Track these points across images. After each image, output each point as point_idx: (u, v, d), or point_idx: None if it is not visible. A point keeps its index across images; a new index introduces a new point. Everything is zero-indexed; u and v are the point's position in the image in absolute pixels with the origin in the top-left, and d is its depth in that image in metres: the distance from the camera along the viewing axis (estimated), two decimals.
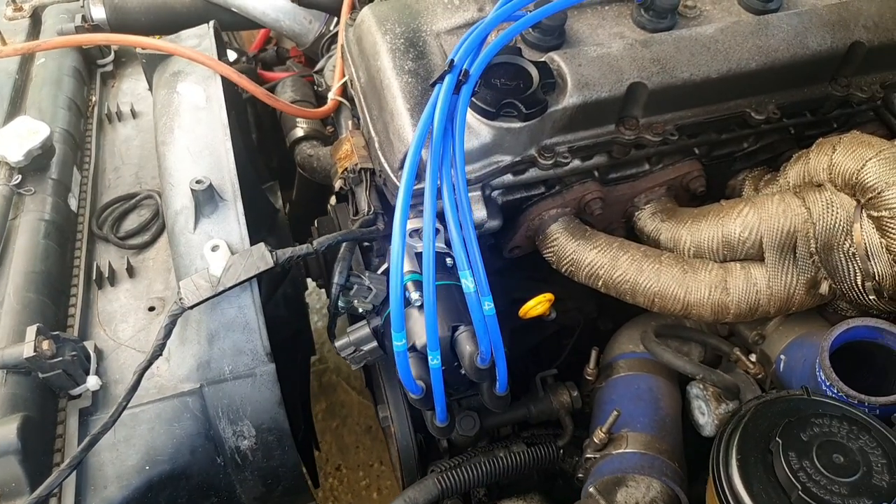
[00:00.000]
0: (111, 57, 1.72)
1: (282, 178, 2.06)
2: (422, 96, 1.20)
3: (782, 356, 1.26)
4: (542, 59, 1.22)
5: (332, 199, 2.24)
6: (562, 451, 1.32)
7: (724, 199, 1.36)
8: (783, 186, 1.30)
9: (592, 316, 1.65)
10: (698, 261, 1.27)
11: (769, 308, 1.22)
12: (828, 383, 1.01)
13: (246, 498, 1.25)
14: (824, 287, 1.20)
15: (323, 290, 1.61)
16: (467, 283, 0.93)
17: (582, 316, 1.63)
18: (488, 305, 0.96)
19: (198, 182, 1.13)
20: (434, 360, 0.98)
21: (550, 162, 1.22)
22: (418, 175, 1.13)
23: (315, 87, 1.68)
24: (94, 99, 1.62)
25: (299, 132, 1.71)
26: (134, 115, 1.60)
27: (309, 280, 1.67)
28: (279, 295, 1.40)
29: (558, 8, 1.16)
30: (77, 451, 0.95)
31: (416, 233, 1.22)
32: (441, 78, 1.00)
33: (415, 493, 1.16)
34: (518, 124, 1.16)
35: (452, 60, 1.00)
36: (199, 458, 1.14)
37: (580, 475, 1.29)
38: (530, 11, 1.19)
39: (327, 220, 1.59)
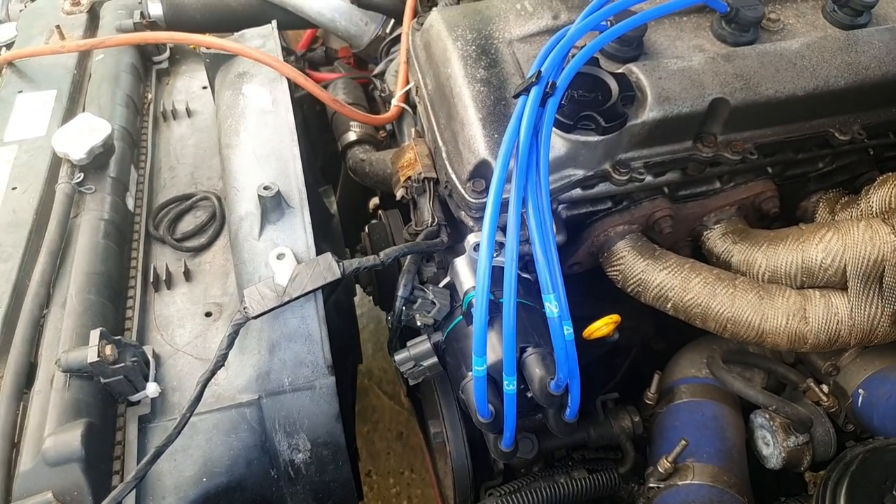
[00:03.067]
0: (167, 54, 1.70)
1: (326, 180, 2.03)
2: (494, 106, 1.17)
3: (861, 390, 1.20)
4: (621, 71, 1.18)
5: (374, 201, 2.22)
6: (621, 478, 1.27)
7: (800, 223, 1.30)
8: (866, 211, 1.24)
9: (649, 336, 1.60)
10: (775, 287, 1.21)
11: (850, 339, 1.16)
12: None
13: None
14: None
15: (367, 296, 1.57)
16: (551, 308, 0.89)
17: (638, 336, 1.58)
18: (569, 330, 0.92)
19: (266, 188, 1.10)
20: (510, 386, 0.94)
21: (625, 178, 1.18)
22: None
23: (378, 93, 1.64)
24: (149, 96, 1.60)
25: (352, 136, 1.68)
26: (189, 113, 1.58)
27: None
28: (331, 303, 1.37)
29: (642, 21, 1.11)
30: (142, 463, 0.93)
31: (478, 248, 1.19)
32: (527, 89, 0.95)
33: None
34: (595, 138, 1.12)
35: (539, 72, 0.96)
36: (254, 470, 1.11)
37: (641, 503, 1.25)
38: (611, 23, 1.14)
39: (378, 226, 1.56)
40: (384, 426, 2.61)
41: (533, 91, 0.95)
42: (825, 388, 1.28)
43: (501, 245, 1.18)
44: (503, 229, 1.06)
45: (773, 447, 1.26)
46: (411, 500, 2.39)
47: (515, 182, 0.91)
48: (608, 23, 1.15)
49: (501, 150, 0.92)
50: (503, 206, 0.93)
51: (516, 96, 0.98)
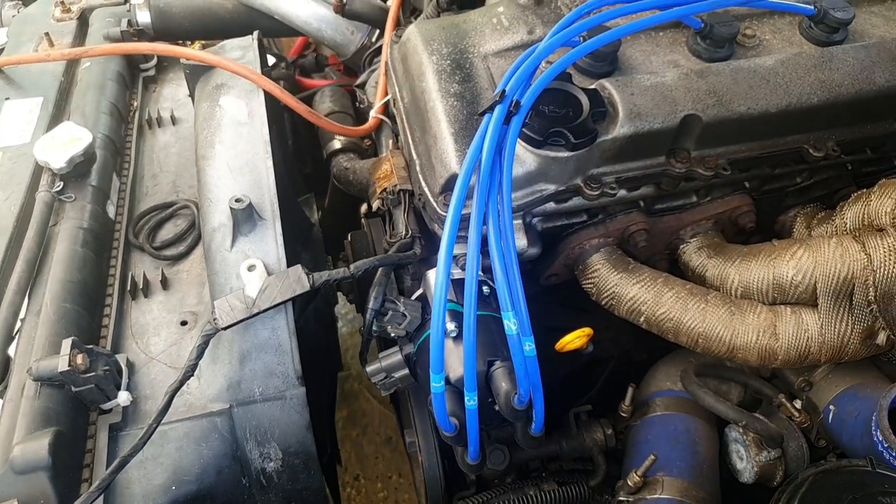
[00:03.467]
0: (154, 62, 1.72)
1: (315, 184, 2.04)
2: (467, 121, 1.17)
3: (831, 406, 1.20)
4: (593, 87, 1.18)
5: (364, 208, 2.23)
6: (592, 490, 1.28)
7: (774, 238, 1.31)
8: (839, 228, 1.24)
9: (627, 348, 1.61)
10: (746, 302, 1.22)
11: (820, 356, 1.16)
12: (885, 445, 0.96)
13: None
14: (881, 337, 1.14)
15: (349, 302, 1.59)
16: (510, 325, 0.89)
17: (617, 348, 1.59)
18: (529, 346, 0.93)
19: (237, 200, 1.12)
20: (471, 402, 0.95)
21: (597, 192, 1.18)
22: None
23: (356, 103, 1.66)
24: (135, 104, 1.62)
25: (336, 144, 1.69)
26: (174, 121, 1.59)
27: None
28: (310, 310, 1.38)
29: (614, 36, 1.12)
30: (107, 472, 0.94)
31: (454, 260, 1.20)
32: (491, 108, 0.96)
33: None
34: (565, 154, 1.12)
35: (504, 91, 0.96)
36: (224, 478, 1.12)
37: None
38: (584, 38, 1.15)
39: (361, 235, 1.57)
40: (373, 430, 2.62)
41: (497, 109, 0.95)
42: (798, 403, 1.28)
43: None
44: None
45: (746, 461, 1.27)
46: (398, 503, 2.40)
47: (477, 198, 0.92)
48: (581, 38, 1.15)
49: (463, 167, 0.93)
50: (465, 222, 0.93)
51: (481, 114, 0.99)
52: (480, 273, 1.19)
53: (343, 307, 2.86)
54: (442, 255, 0.89)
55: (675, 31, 1.30)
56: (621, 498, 1.22)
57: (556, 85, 1.13)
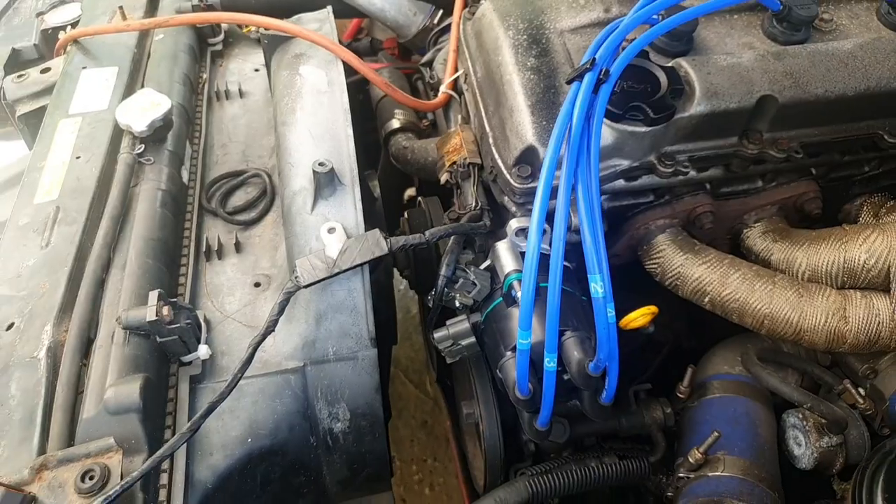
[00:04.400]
0: (221, 37, 1.76)
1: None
2: (543, 94, 1.19)
3: None
4: (670, 65, 1.19)
5: (411, 191, 2.26)
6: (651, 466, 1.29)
7: (843, 224, 1.31)
8: None
9: (682, 333, 1.61)
10: (815, 285, 1.22)
11: (890, 342, 1.16)
12: None
13: (330, 480, 1.26)
14: None
15: (403, 278, 1.61)
16: (596, 288, 0.91)
17: (671, 333, 1.59)
18: (611, 312, 0.94)
19: (320, 164, 1.14)
20: (550, 363, 0.96)
21: (670, 170, 1.19)
22: (535, 176, 1.14)
23: (427, 80, 1.68)
24: (204, 76, 1.66)
25: (395, 123, 1.71)
26: (241, 94, 1.63)
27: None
28: (371, 282, 1.41)
29: (693, 15, 1.13)
30: (196, 416, 0.97)
31: (523, 232, 1.21)
32: (580, 75, 0.98)
33: (506, 494, 1.15)
34: (643, 129, 1.13)
35: (594, 59, 0.98)
36: (295, 435, 1.15)
37: (669, 493, 1.26)
38: (662, 17, 1.16)
39: (418, 212, 1.59)
40: (409, 414, 2.65)
41: (586, 77, 0.97)
42: (862, 390, 1.28)
43: (543, 232, 1.21)
44: (549, 216, 1.09)
45: (804, 447, 1.27)
46: (433, 487, 2.42)
47: (566, 164, 0.94)
48: (659, 17, 1.17)
49: (554, 133, 0.95)
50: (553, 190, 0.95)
51: (569, 82, 1.00)
52: (546, 247, 1.20)
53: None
54: (536, 211, 0.91)
55: (749, 14, 1.30)
56: (681, 474, 1.23)
57: (635, 61, 1.14)
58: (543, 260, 0.96)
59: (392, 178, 2.04)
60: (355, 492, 1.31)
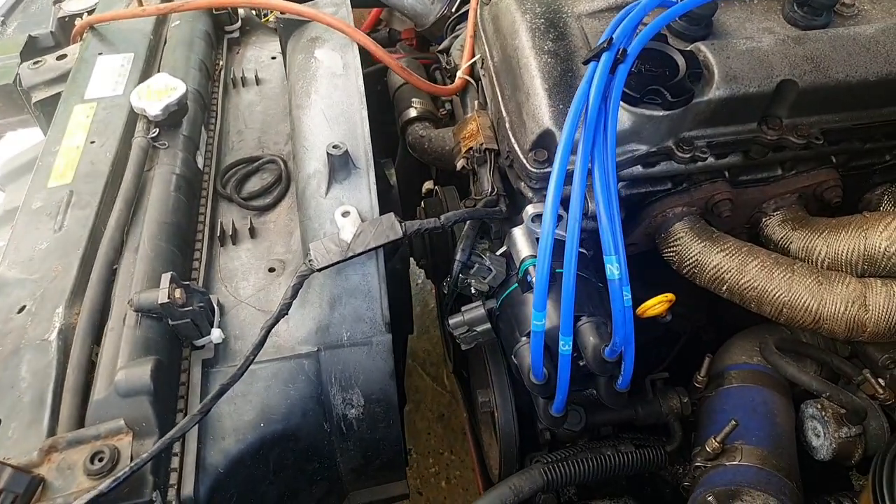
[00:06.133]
0: (238, 24, 1.76)
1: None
2: (560, 77, 1.18)
3: None
4: (689, 49, 1.18)
5: (429, 184, 2.25)
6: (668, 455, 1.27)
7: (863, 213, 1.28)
8: None
9: (699, 324, 1.59)
10: (834, 273, 1.20)
11: None
12: None
13: (344, 468, 1.26)
14: None
15: (419, 266, 1.60)
16: (612, 269, 0.90)
17: (689, 324, 1.57)
18: (627, 295, 0.93)
19: (335, 147, 1.14)
20: (565, 347, 0.95)
21: (688, 156, 1.18)
22: (551, 160, 1.12)
23: (443, 66, 1.67)
24: (220, 63, 1.66)
25: (413, 112, 1.70)
26: (258, 81, 1.63)
27: None
28: (388, 270, 1.40)
29: None
30: (207, 398, 0.97)
31: (539, 218, 1.20)
32: (597, 55, 0.97)
33: (520, 482, 1.14)
34: (661, 112, 1.12)
35: (611, 38, 0.97)
36: (309, 421, 1.15)
37: (686, 483, 1.24)
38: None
39: (435, 202, 1.58)
40: (426, 406, 2.64)
41: (603, 57, 0.96)
42: (881, 380, 1.26)
43: (559, 218, 1.20)
44: (564, 202, 1.09)
45: (823, 437, 1.25)
46: (450, 480, 2.41)
47: (582, 145, 0.93)
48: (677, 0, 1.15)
49: (570, 112, 0.94)
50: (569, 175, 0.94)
51: (586, 62, 0.99)
52: (562, 233, 1.19)
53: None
54: (551, 191, 0.90)
55: None
56: (698, 463, 1.22)
57: (653, 45, 1.13)
58: (560, 246, 0.95)
59: (410, 171, 2.03)
60: (369, 480, 1.31)
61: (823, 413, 1.25)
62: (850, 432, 1.23)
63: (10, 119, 1.82)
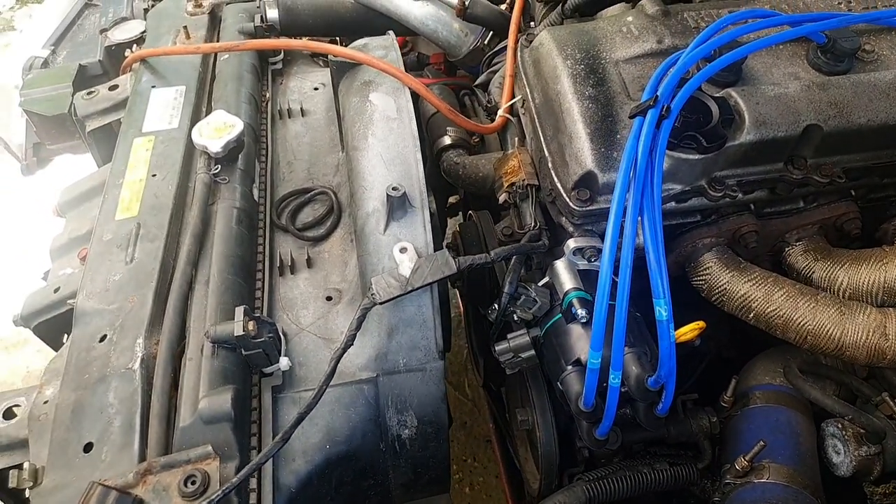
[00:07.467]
0: (281, 55, 1.84)
1: None
2: (601, 122, 1.26)
3: None
4: (721, 95, 1.26)
5: (454, 199, 2.33)
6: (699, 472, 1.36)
7: (881, 243, 1.37)
8: None
9: (723, 343, 1.68)
10: (856, 303, 1.28)
11: None
12: None
13: (394, 483, 1.34)
14: None
15: (453, 287, 1.69)
16: (661, 311, 0.98)
17: (713, 344, 1.66)
18: (673, 335, 1.02)
19: (394, 189, 1.22)
20: (616, 380, 1.04)
21: (720, 194, 1.26)
22: (593, 199, 1.22)
23: (484, 101, 1.75)
24: (267, 95, 1.74)
25: (447, 140, 1.78)
26: (303, 112, 1.71)
27: None
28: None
29: (749, 51, 1.20)
30: (290, 425, 1.05)
31: (580, 251, 1.29)
32: (643, 111, 1.05)
33: (565, 498, 1.22)
34: (696, 156, 1.20)
35: (656, 96, 1.05)
36: (367, 442, 1.24)
37: (716, 499, 1.33)
38: (717, 52, 1.22)
39: (470, 226, 1.67)
40: None
41: (649, 114, 1.04)
42: None
43: (598, 251, 1.28)
44: (601, 236, 1.18)
45: (844, 455, 1.33)
46: (473, 487, 2.50)
47: (633, 196, 1.01)
48: (714, 52, 1.23)
49: (621, 166, 1.02)
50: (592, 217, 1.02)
51: (632, 117, 1.08)
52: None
53: None
54: (609, 234, 0.98)
55: (794, 44, 1.37)
56: (728, 480, 1.30)
57: None
58: (593, 277, 1.04)
59: (436, 185, 2.11)
60: (416, 494, 1.39)
61: (844, 432, 1.33)
62: (870, 451, 1.31)
63: (62, 144, 1.91)
